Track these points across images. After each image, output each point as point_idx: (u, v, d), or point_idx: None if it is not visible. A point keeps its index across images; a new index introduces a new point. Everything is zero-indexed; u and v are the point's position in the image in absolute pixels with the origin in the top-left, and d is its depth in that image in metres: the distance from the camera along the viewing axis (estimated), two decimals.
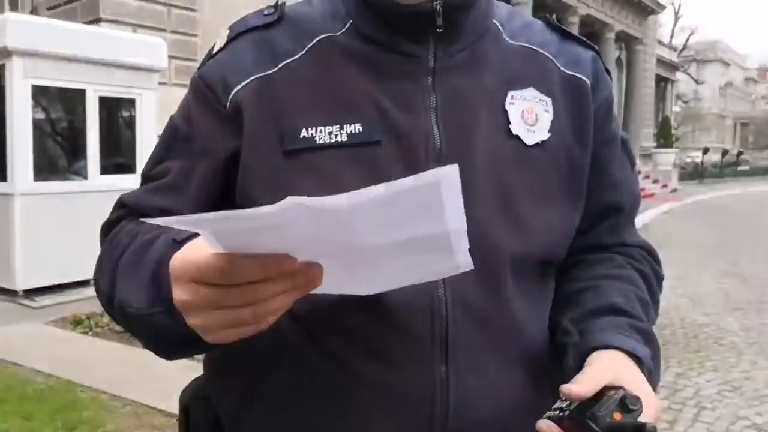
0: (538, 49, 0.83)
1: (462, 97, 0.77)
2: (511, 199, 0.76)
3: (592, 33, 21.27)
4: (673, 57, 36.61)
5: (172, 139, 0.81)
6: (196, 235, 0.60)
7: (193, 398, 0.89)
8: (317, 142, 0.73)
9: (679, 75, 41.24)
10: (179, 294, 0.58)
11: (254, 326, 0.58)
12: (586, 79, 0.84)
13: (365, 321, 0.72)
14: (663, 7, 27.27)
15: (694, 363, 4.46)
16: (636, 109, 24.27)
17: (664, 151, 24.40)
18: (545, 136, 0.79)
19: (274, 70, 0.76)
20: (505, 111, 0.78)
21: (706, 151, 31.88)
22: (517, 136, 0.78)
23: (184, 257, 0.58)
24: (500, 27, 0.83)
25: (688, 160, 36.23)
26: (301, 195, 0.65)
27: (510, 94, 0.79)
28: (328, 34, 0.78)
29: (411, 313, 0.72)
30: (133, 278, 0.67)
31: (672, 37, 46.93)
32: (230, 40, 0.79)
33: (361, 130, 0.73)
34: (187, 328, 0.60)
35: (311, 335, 0.74)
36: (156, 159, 0.82)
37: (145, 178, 0.83)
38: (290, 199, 0.49)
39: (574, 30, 14.74)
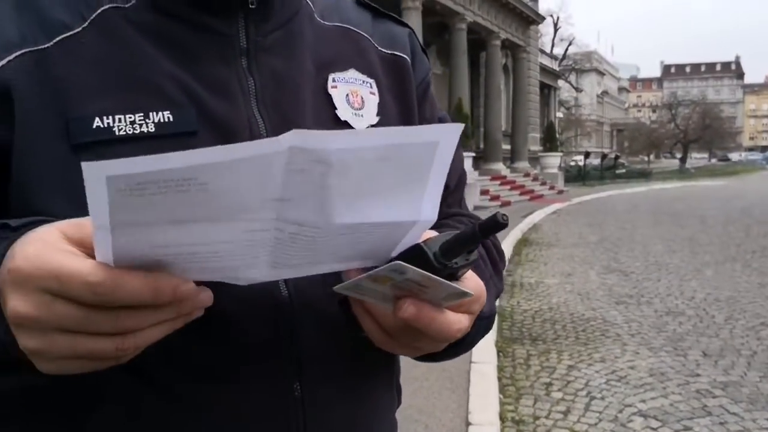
0: (353, 28, 0.78)
1: (283, 81, 0.69)
2: None
3: (479, 40, 22.08)
4: (555, 65, 38.76)
5: None
6: (40, 222, 0.49)
7: None
8: (117, 134, 0.60)
9: (560, 83, 43.71)
10: (18, 304, 0.44)
11: (112, 362, 0.48)
12: (406, 57, 0.80)
13: (195, 337, 0.60)
14: (542, 18, 28.82)
15: (584, 355, 4.65)
16: (523, 114, 25.43)
17: (551, 154, 25.73)
18: (374, 119, 0.73)
19: (48, 44, 0.61)
20: (329, 95, 0.72)
21: (587, 155, 33.92)
22: (345, 122, 0.71)
23: (33, 255, 0.44)
24: (311, 5, 0.76)
25: (572, 163, 38.47)
26: None
27: (331, 77, 0.73)
28: (114, 5, 0.64)
29: (251, 322, 0.62)
30: None
31: (553, 46, 49.66)
32: None
33: (171, 119, 0.62)
34: (9, 347, 0.47)
35: (132, 361, 0.61)
36: None
37: None
38: (292, 133, 0.41)
39: (463, 37, 15.08)
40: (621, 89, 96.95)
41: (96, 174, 0.39)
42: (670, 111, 57.53)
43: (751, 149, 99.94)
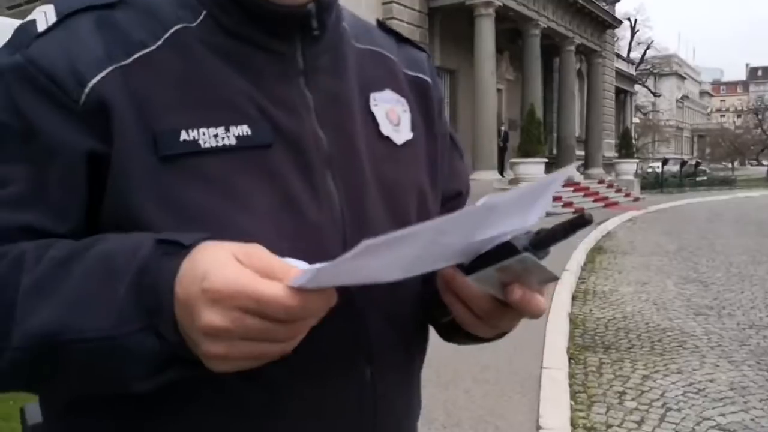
0: (383, 51, 0.84)
1: (336, 100, 0.74)
2: (395, 199, 0.76)
3: (553, 45, 21.70)
4: (632, 70, 37.55)
5: (5, 139, 0.63)
6: (206, 238, 0.56)
7: None
8: (202, 146, 0.64)
9: (637, 87, 42.30)
10: (214, 318, 0.51)
11: (270, 360, 0.55)
12: (428, 79, 0.87)
13: None
14: (620, 22, 27.99)
15: (659, 366, 4.54)
16: (598, 120, 24.77)
17: (626, 161, 24.89)
18: (410, 135, 0.80)
19: (127, 61, 0.65)
20: (372, 113, 0.78)
21: (665, 161, 32.63)
22: (387, 138, 0.78)
23: (232, 279, 0.51)
24: (348, 29, 0.82)
25: (649, 170, 37.11)
26: (191, 204, 0.62)
27: (372, 96, 0.79)
28: (183, 25, 0.69)
29: (329, 313, 0.69)
30: (70, 297, 0.55)
31: (629, 50, 48.13)
32: (63, 18, 0.65)
33: (249, 133, 0.67)
34: (174, 348, 0.54)
35: None
36: None
37: None
38: (489, 197, 0.52)
39: (537, 43, 14.88)
40: (703, 93, 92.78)
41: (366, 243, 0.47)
42: (757, 116, 54.57)
43: None
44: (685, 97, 75.45)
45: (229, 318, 0.51)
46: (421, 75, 0.87)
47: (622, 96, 34.35)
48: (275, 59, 0.71)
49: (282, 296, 0.50)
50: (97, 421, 0.67)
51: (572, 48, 22.07)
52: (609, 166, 25.31)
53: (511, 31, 19.62)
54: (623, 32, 44.12)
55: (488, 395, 3.72)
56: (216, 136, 0.65)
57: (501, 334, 0.76)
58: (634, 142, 29.76)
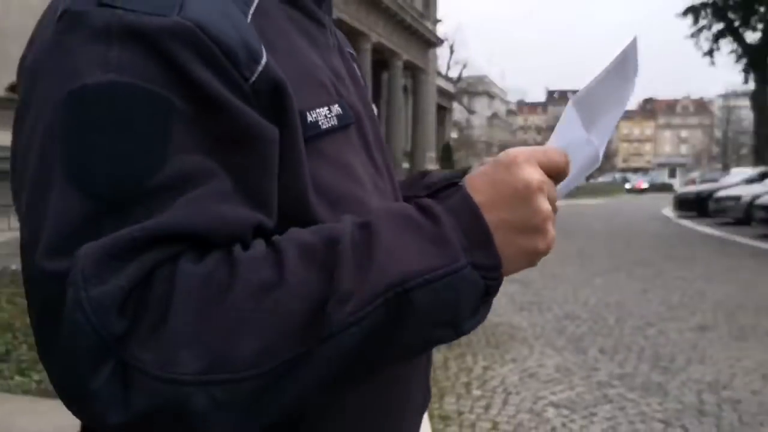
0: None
1: (356, 73, 0.76)
2: (391, 167, 0.78)
3: (383, 60, 22.65)
4: (451, 87, 40.25)
5: (174, 123, 0.49)
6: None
7: None
8: (322, 128, 0.60)
9: (454, 105, 45.37)
10: (530, 172, 0.57)
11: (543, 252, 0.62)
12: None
13: None
14: (441, 41, 29.99)
15: (497, 357, 5.01)
16: (422, 134, 26.25)
17: None
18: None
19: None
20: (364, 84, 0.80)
21: None
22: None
23: (515, 150, 0.59)
24: None
25: None
26: (331, 188, 0.60)
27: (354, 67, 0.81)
28: None
29: None
30: (393, 254, 0.50)
31: (448, 69, 51.56)
32: None
33: (341, 112, 0.63)
34: (491, 275, 0.56)
35: None
36: (153, 155, 0.48)
37: (152, 189, 0.48)
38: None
39: (368, 57, 15.40)
40: (509, 112, 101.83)
41: (572, 102, 0.68)
42: None
43: (623, 170, 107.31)
44: (494, 115, 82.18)
45: (537, 172, 0.57)
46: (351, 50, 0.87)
47: (442, 112, 36.67)
48: (322, 31, 0.68)
49: (554, 148, 0.62)
50: None
51: (400, 63, 23.21)
52: None
53: None
54: (442, 51, 47.10)
55: None
56: (326, 116, 0.61)
57: None
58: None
